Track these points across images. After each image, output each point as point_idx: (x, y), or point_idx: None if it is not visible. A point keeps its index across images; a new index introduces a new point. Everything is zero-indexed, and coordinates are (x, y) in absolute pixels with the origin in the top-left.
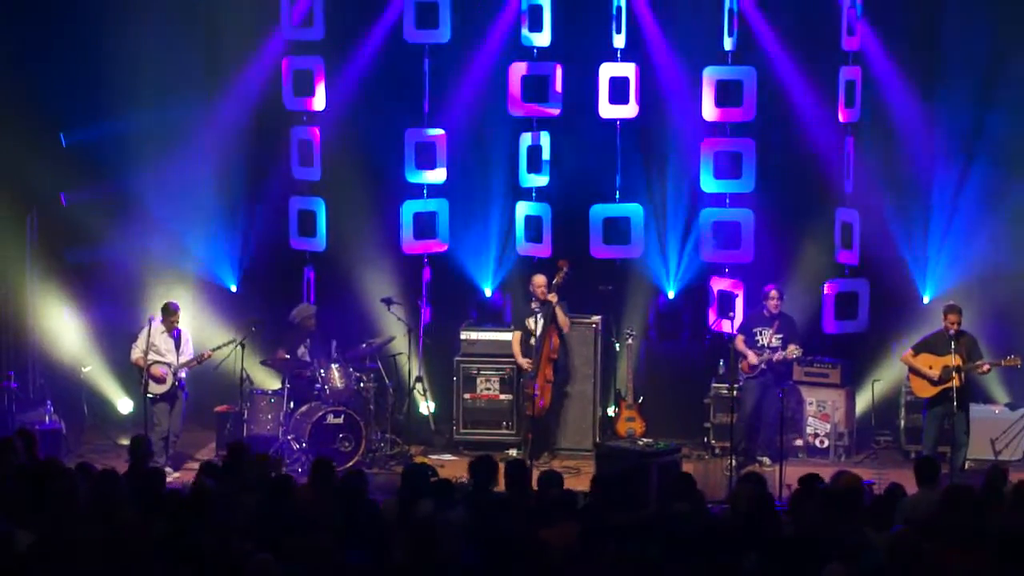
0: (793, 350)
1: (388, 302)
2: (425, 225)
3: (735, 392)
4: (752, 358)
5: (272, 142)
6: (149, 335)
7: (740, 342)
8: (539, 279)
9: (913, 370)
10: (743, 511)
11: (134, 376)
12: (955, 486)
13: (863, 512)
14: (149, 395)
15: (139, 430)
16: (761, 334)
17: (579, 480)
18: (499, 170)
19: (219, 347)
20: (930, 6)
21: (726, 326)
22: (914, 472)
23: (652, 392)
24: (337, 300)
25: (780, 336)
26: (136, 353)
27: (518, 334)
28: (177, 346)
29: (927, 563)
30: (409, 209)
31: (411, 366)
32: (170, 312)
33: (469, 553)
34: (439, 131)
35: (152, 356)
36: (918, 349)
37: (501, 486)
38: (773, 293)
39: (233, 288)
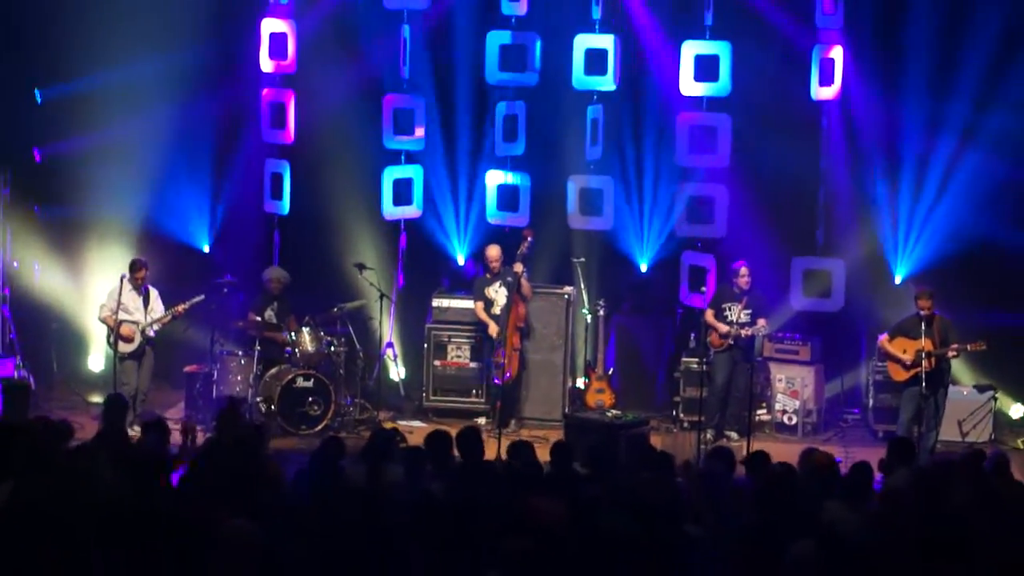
0: (762, 326)
1: (361, 267)
2: (402, 191)
3: (705, 367)
4: (721, 330)
5: (248, 104)
6: (120, 293)
7: (710, 316)
8: (493, 251)
9: (888, 355)
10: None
11: (104, 333)
12: (925, 468)
13: (835, 490)
14: (118, 353)
15: (108, 388)
16: (730, 309)
17: (545, 449)
18: (475, 139)
19: (188, 305)
20: None
21: (697, 300)
22: (887, 451)
23: (622, 364)
24: (309, 264)
25: (749, 312)
26: (104, 312)
27: (480, 304)
28: (145, 304)
29: (901, 543)
30: (389, 175)
31: (382, 332)
32: (137, 268)
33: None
34: (418, 98)
35: (120, 315)
36: (893, 333)
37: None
38: (743, 270)
39: (206, 248)
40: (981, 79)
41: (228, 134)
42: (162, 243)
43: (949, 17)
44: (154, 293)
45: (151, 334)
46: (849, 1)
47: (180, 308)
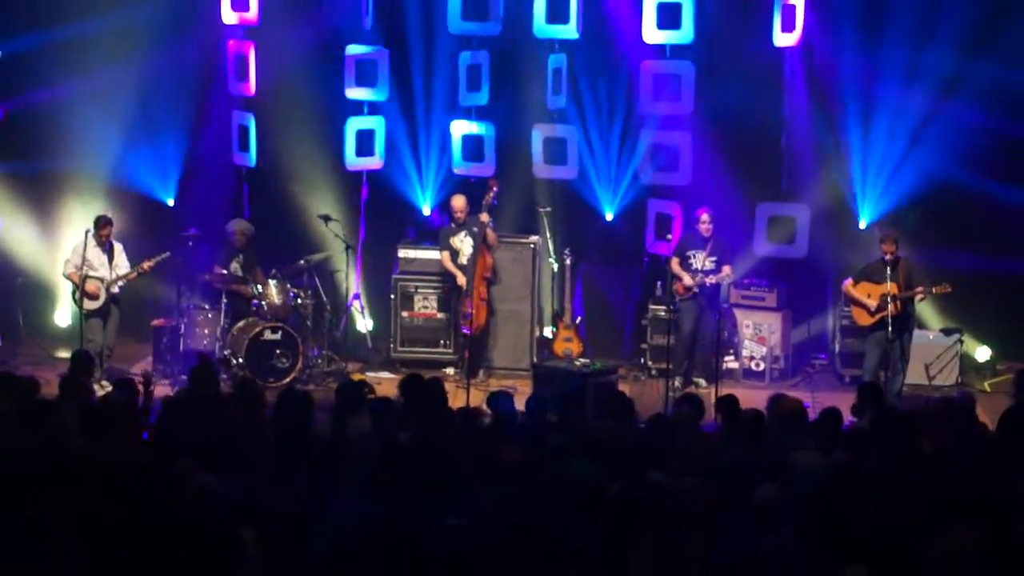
0: (726, 274)
1: (326, 219)
2: (364, 143)
3: (672, 315)
4: (686, 280)
5: (210, 56)
6: (85, 249)
7: (675, 264)
8: (458, 201)
9: (852, 300)
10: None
11: (70, 289)
12: (887, 411)
13: (805, 435)
14: (83, 310)
15: (75, 344)
16: (695, 257)
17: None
18: (439, 89)
19: (154, 261)
20: None
21: (663, 248)
22: (856, 396)
23: (590, 313)
24: (274, 216)
25: (713, 259)
26: (69, 268)
27: (446, 254)
28: (110, 260)
29: (864, 487)
30: (352, 126)
31: (349, 283)
32: (102, 225)
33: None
34: (381, 48)
35: (85, 271)
36: (858, 278)
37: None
38: (704, 217)
39: (170, 202)
40: (934, 24)
41: (192, 87)
42: (127, 197)
43: None
44: (118, 248)
45: (116, 290)
46: None
47: (145, 265)
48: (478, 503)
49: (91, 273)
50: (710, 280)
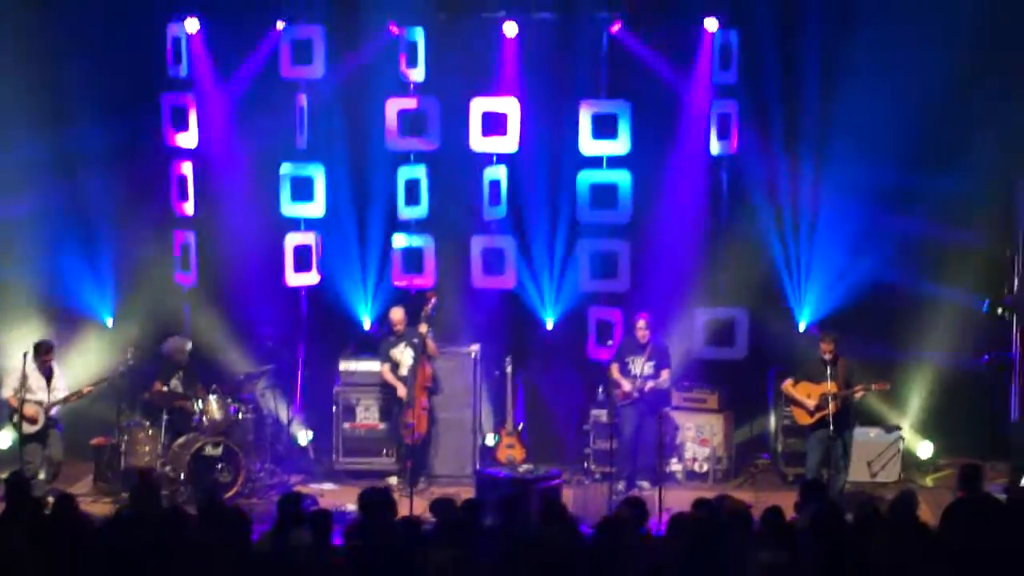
0: (664, 378)
1: (266, 335)
2: (302, 258)
3: (613, 419)
4: (625, 386)
5: (147, 174)
6: (24, 372)
7: (614, 370)
8: (397, 313)
9: (792, 400)
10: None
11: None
12: (823, 512)
13: (749, 537)
14: (22, 434)
15: (15, 466)
16: (633, 362)
17: None
18: (377, 203)
19: (92, 387)
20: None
21: (604, 354)
22: (799, 493)
23: (532, 420)
24: (214, 331)
25: (652, 363)
26: (7, 391)
27: (387, 366)
28: (49, 383)
29: None
30: (291, 242)
31: (290, 397)
32: (43, 351)
33: None
34: (317, 165)
35: (24, 395)
36: (797, 378)
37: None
38: (640, 323)
39: (109, 322)
40: (869, 136)
41: (130, 207)
42: (65, 314)
43: (836, 73)
44: (58, 371)
45: (53, 413)
46: (743, 60)
47: (84, 390)
48: None
49: (29, 397)
50: (648, 385)
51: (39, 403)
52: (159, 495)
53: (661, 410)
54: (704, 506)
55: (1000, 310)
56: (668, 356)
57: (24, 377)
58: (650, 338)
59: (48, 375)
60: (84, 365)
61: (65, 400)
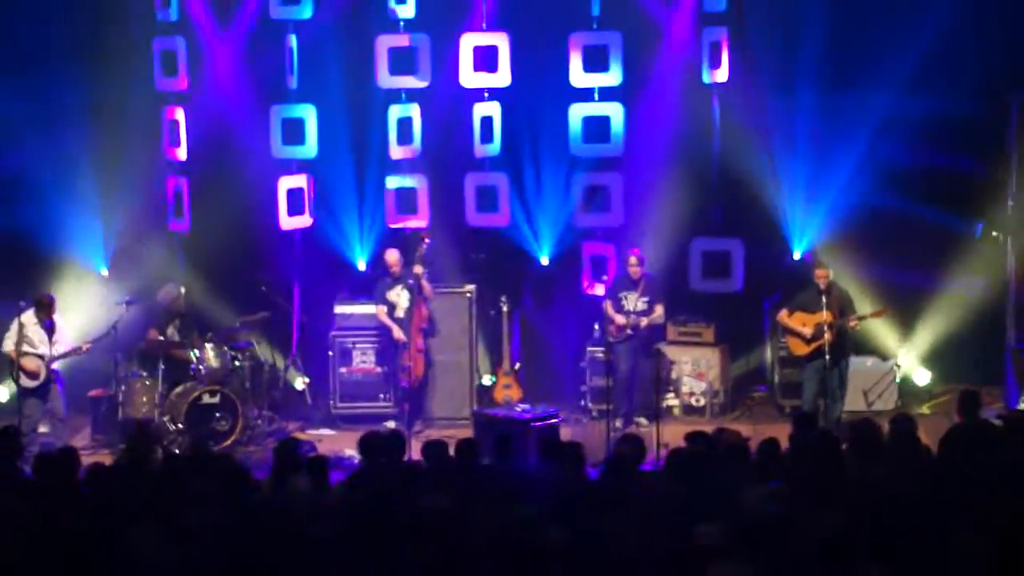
0: (658, 315)
1: (260, 280)
2: (295, 201)
3: (608, 356)
4: (619, 321)
5: (141, 122)
6: (21, 325)
7: (608, 307)
8: (392, 255)
9: (788, 330)
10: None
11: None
12: (816, 437)
13: (746, 469)
14: (20, 387)
15: (12, 420)
16: (627, 298)
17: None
18: (369, 143)
19: (96, 340)
20: None
21: (599, 290)
22: (792, 426)
23: (528, 359)
24: (210, 278)
25: (646, 299)
26: (8, 345)
27: (382, 308)
28: (50, 337)
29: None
30: (284, 185)
31: (286, 342)
32: (44, 306)
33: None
34: (308, 107)
35: (24, 348)
36: (792, 308)
37: None
38: (633, 259)
39: (104, 272)
40: (860, 62)
41: (121, 154)
42: (60, 265)
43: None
44: (60, 325)
45: (57, 367)
46: None
47: (83, 347)
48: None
49: (30, 350)
50: (643, 322)
51: (40, 357)
52: (155, 445)
53: (655, 346)
54: (699, 439)
55: (994, 233)
56: (662, 291)
57: (21, 329)
58: (643, 273)
59: (50, 329)
60: (80, 316)
61: (66, 355)
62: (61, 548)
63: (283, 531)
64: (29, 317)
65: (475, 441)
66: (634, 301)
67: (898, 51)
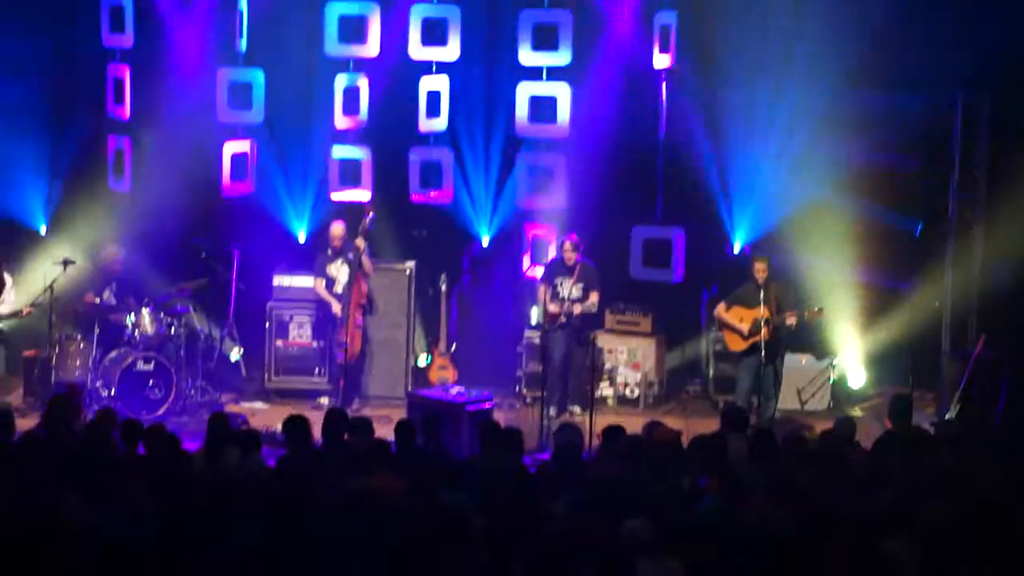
0: (592, 303)
1: (200, 245)
2: (240, 167)
3: (543, 342)
4: (552, 309)
5: (82, 79)
6: None
7: (542, 292)
8: (337, 228)
9: (724, 324)
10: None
11: None
12: (760, 433)
13: (677, 463)
14: None
15: None
16: (562, 284)
17: (389, 428)
18: (315, 112)
19: (36, 304)
20: None
21: (539, 272)
22: (720, 419)
23: (465, 340)
24: (146, 242)
25: (581, 286)
26: None
27: (321, 281)
28: None
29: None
30: (228, 150)
31: (223, 311)
32: None
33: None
34: (256, 71)
35: None
36: (730, 302)
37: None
38: (568, 245)
39: (42, 230)
40: (808, 57)
41: (65, 112)
42: None
43: None
44: (9, 283)
45: (1, 326)
46: None
47: (26, 310)
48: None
49: None
50: (576, 308)
51: None
52: (77, 412)
53: (591, 333)
54: (613, 434)
55: (936, 303)
56: (597, 278)
57: None
58: (578, 259)
59: None
60: (20, 275)
61: (9, 316)
62: None
63: (214, 503)
64: None
65: (412, 423)
66: (569, 287)
67: (845, 45)
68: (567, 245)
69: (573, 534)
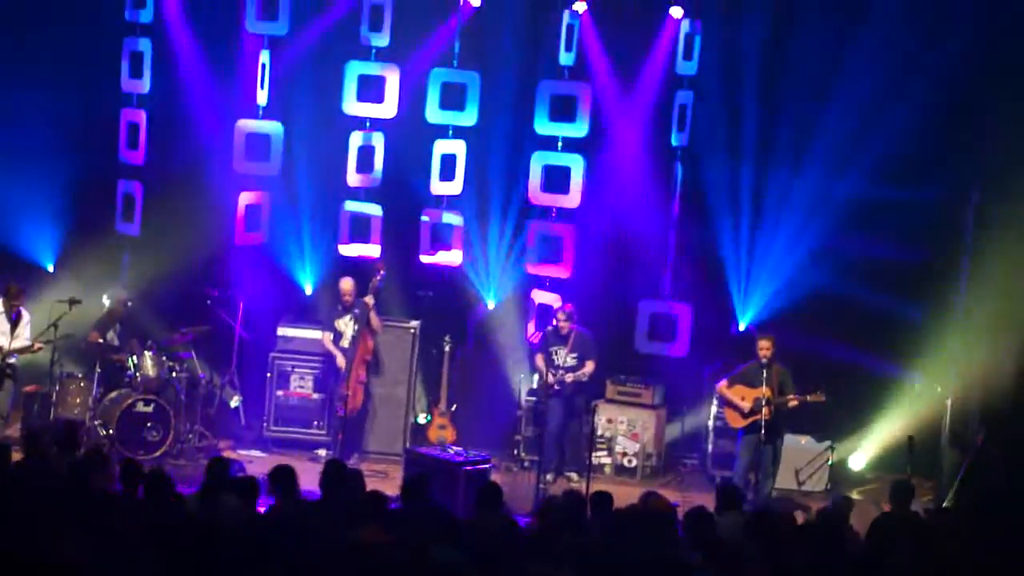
0: (583, 373)
1: (207, 293)
2: (252, 217)
3: (541, 407)
4: (547, 377)
5: (97, 122)
6: None
7: (539, 360)
8: (347, 283)
9: (726, 401)
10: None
11: None
12: (756, 512)
13: (672, 534)
14: None
15: None
16: (556, 353)
17: (385, 483)
18: (329, 168)
19: (45, 342)
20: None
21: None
22: (716, 497)
23: (466, 401)
24: (155, 286)
25: (575, 355)
26: None
27: (328, 335)
28: (13, 329)
29: None
30: (243, 201)
31: (225, 359)
32: (12, 295)
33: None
34: (275, 124)
35: None
36: (732, 381)
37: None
38: (561, 315)
39: (50, 268)
40: (816, 146)
41: (78, 153)
42: (5, 259)
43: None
44: (25, 319)
45: (12, 360)
46: (706, 52)
47: (37, 345)
48: None
49: None
50: (569, 377)
51: None
52: (74, 447)
53: (592, 402)
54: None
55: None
56: (593, 347)
57: None
58: (573, 328)
59: (14, 321)
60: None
61: (22, 351)
62: None
63: (207, 545)
64: None
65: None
66: (563, 356)
67: (863, 137)
68: (560, 315)
69: None
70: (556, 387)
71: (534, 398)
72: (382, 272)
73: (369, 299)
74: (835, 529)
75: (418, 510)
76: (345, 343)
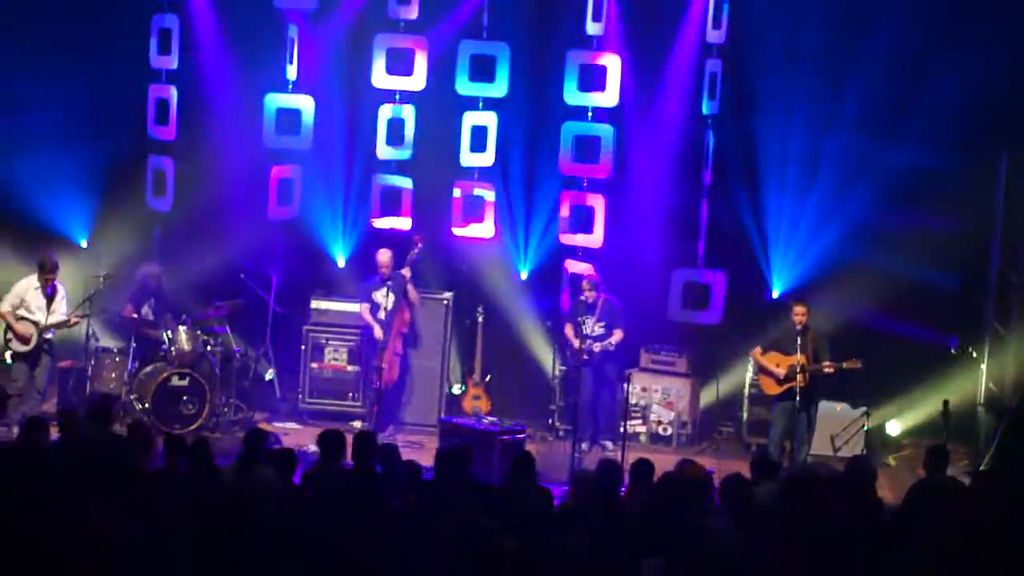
0: (611, 342)
1: (241, 268)
2: (285, 191)
3: (573, 376)
4: (576, 345)
5: (127, 99)
6: (22, 289)
7: (568, 330)
8: (384, 255)
9: (761, 368)
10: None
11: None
12: (796, 477)
13: (708, 502)
14: (9, 351)
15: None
16: (585, 323)
17: (421, 454)
18: (360, 141)
19: (81, 316)
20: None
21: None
22: (750, 467)
23: (500, 371)
24: (188, 261)
25: (603, 323)
26: (4, 305)
27: (366, 306)
28: (49, 304)
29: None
30: (275, 175)
31: (259, 332)
32: (47, 269)
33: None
34: (306, 98)
35: (21, 312)
36: (767, 347)
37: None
38: (585, 284)
39: (83, 243)
40: (849, 109)
41: (109, 129)
42: (40, 235)
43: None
44: (60, 294)
45: (49, 336)
46: (734, 20)
47: (73, 320)
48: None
49: (26, 315)
50: (596, 346)
51: (35, 323)
52: (110, 421)
53: (627, 371)
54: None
55: (970, 348)
56: (621, 315)
57: (22, 292)
58: (599, 297)
59: (51, 296)
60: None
61: (58, 325)
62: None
63: (246, 515)
64: (31, 281)
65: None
66: (591, 325)
67: (895, 101)
68: (585, 284)
69: (590, 569)
70: (585, 356)
71: (565, 367)
72: (420, 245)
73: (406, 271)
74: (865, 477)
75: (452, 481)
76: (382, 315)
